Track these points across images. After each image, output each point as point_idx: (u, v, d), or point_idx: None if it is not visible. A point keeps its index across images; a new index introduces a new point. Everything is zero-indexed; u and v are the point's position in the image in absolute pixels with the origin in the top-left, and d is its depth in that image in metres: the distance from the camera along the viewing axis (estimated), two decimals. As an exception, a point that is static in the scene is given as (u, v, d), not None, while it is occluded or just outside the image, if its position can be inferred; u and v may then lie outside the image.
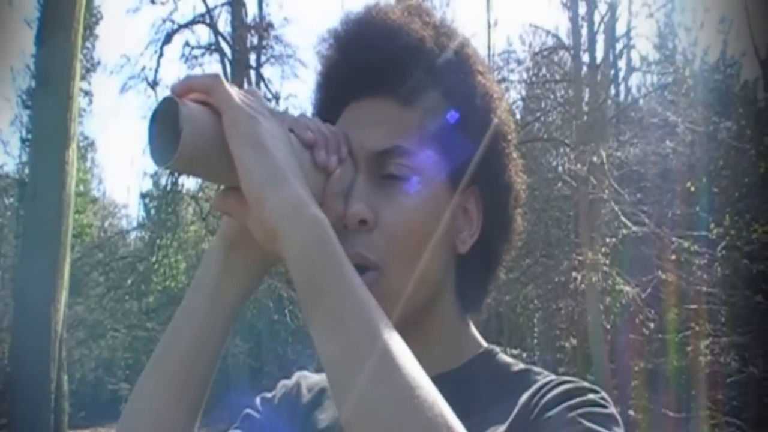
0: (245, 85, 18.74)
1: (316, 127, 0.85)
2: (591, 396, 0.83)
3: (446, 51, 0.92)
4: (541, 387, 0.86)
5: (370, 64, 0.91)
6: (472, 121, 0.91)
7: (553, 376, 0.90)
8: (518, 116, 16.01)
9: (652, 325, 11.35)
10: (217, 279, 0.86)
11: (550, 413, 0.81)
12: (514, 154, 0.98)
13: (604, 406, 0.82)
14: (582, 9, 13.79)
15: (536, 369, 0.94)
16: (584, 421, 0.78)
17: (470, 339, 0.99)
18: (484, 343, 0.99)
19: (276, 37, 18.51)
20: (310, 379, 1.09)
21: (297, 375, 1.10)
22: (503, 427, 0.85)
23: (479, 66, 0.95)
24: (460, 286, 0.96)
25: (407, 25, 0.91)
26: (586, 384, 0.86)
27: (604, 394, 0.85)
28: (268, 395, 1.07)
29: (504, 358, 0.98)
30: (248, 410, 1.05)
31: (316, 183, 0.83)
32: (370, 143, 0.89)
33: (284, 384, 1.09)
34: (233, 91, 0.76)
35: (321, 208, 0.78)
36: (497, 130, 0.94)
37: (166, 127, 0.75)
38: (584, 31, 13.89)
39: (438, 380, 0.79)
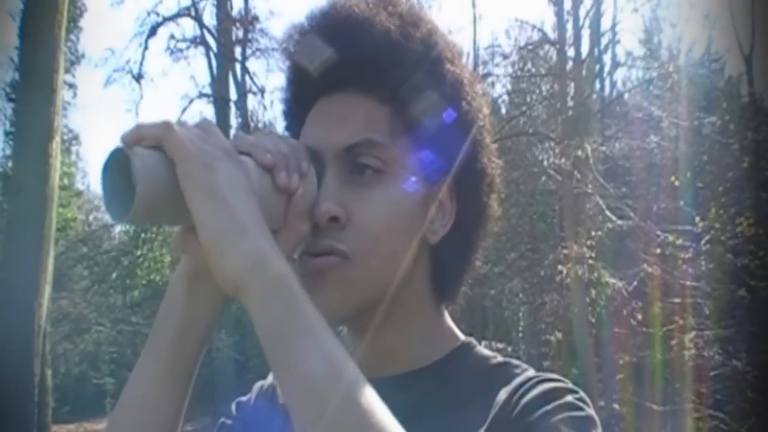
0: (230, 79, 18.70)
1: (274, 146, 0.83)
2: (569, 398, 0.83)
3: (412, 41, 0.90)
4: (521, 385, 0.86)
5: (335, 60, 0.89)
6: (442, 111, 0.90)
7: (531, 372, 0.90)
8: (503, 110, 16.06)
9: (639, 316, 11.41)
10: (182, 315, 0.84)
11: (530, 419, 0.81)
12: (488, 140, 0.97)
13: (582, 409, 0.82)
14: (568, 4, 13.84)
15: (514, 362, 0.93)
16: (564, 428, 0.79)
17: (447, 332, 0.98)
18: (462, 336, 0.98)
19: (261, 30, 18.44)
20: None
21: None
22: (483, 427, 0.84)
23: (448, 53, 0.93)
24: (435, 276, 0.95)
25: (372, 17, 0.90)
26: (565, 384, 0.86)
27: (582, 394, 0.84)
28: (244, 399, 1.06)
29: (482, 351, 0.97)
30: (223, 419, 1.04)
31: (277, 205, 0.81)
32: (339, 139, 0.88)
33: (260, 385, 1.08)
34: (186, 135, 0.73)
35: (284, 229, 0.78)
36: (468, 118, 0.93)
37: (120, 176, 0.71)
38: (570, 26, 13.92)
39: (416, 376, 0.79)
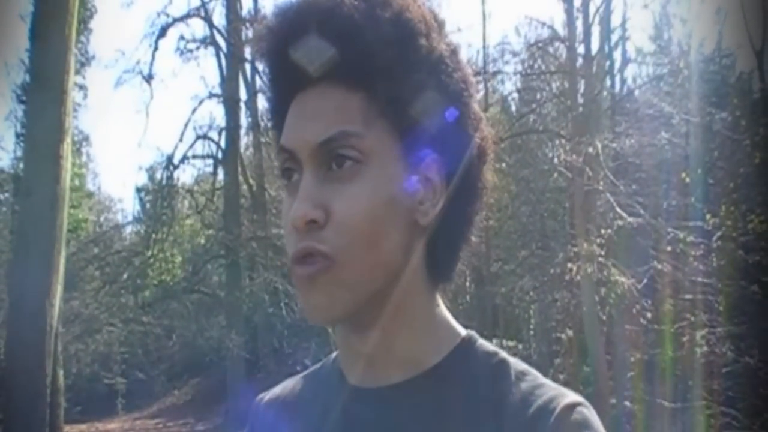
0: (240, 79, 18.73)
1: None
2: None
3: (379, 23, 0.86)
4: (544, 415, 0.84)
5: (303, 54, 0.87)
6: (419, 88, 0.87)
7: (538, 378, 0.89)
8: (513, 108, 16.04)
9: (649, 315, 11.38)
10: None
11: None
12: (476, 108, 0.93)
13: None
14: (577, 1, 13.79)
15: (512, 360, 0.91)
16: None
17: (444, 325, 0.95)
18: (462, 331, 0.95)
19: (271, 30, 18.46)
20: (265, 400, 1.07)
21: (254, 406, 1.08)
22: None
23: (422, 27, 0.89)
24: (429, 259, 0.92)
25: (335, 6, 0.87)
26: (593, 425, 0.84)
27: None
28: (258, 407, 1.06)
29: (484, 346, 0.93)
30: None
31: None
32: (313, 136, 0.86)
33: (262, 398, 1.07)
34: None
35: None
36: (449, 90, 0.89)
37: None
38: (579, 23, 13.88)
39: (417, 383, 0.79)
